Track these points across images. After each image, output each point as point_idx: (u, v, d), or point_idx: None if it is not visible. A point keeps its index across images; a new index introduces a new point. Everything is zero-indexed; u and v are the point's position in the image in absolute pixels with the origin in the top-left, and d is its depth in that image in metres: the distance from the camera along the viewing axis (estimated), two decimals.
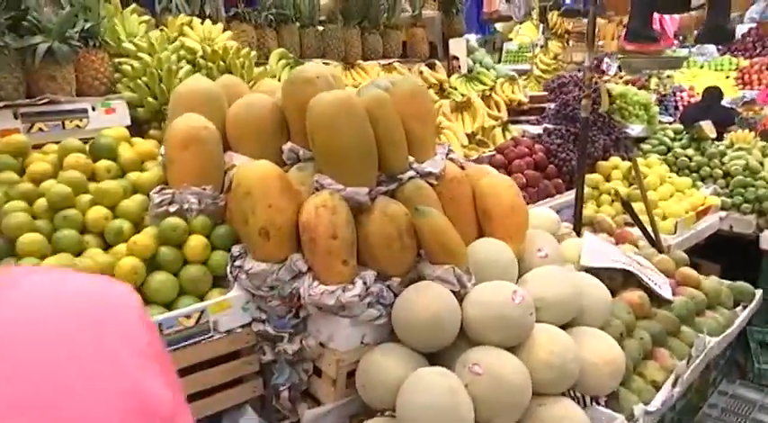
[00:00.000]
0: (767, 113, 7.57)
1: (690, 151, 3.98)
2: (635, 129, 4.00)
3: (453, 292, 1.57)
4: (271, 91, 1.95)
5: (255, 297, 1.59)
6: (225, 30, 2.97)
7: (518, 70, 9.96)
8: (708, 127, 4.12)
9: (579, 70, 10.50)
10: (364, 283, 1.52)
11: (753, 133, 4.31)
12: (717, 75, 8.36)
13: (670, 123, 8.24)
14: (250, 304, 1.60)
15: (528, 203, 3.08)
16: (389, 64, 3.90)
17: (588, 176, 3.54)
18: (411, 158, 1.78)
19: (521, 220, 1.83)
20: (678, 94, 8.25)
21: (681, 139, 4.09)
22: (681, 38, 9.01)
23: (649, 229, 2.96)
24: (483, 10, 6.66)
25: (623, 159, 3.75)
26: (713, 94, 7.15)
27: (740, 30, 8.43)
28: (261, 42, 3.37)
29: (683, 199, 3.60)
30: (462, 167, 1.91)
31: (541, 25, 9.28)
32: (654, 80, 8.50)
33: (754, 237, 3.67)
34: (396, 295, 1.58)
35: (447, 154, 1.91)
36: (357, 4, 3.85)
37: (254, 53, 2.65)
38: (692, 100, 8.13)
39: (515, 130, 3.89)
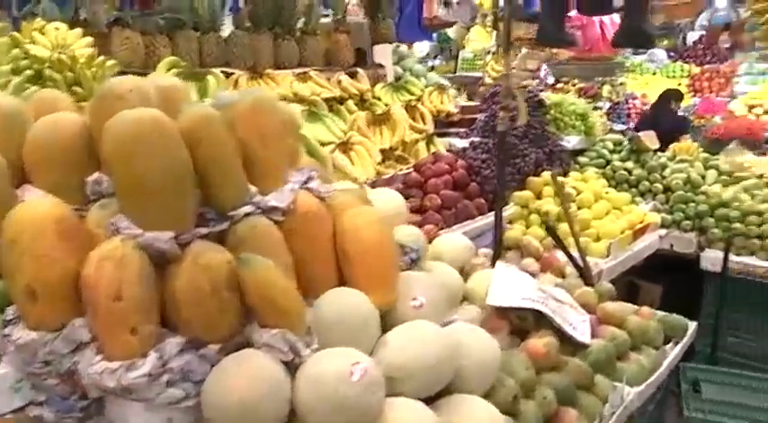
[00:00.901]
0: (717, 121, 7.44)
1: (629, 164, 3.73)
2: (571, 140, 3.74)
3: (286, 362, 1.24)
4: None
5: (29, 374, 1.24)
6: (103, 37, 2.61)
7: (473, 78, 9.78)
8: (648, 137, 3.88)
9: (534, 78, 10.38)
10: (160, 357, 1.17)
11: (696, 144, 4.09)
12: (669, 82, 8.23)
13: (624, 131, 8.10)
14: (23, 383, 1.24)
15: (443, 227, 2.78)
16: (304, 73, 3.57)
17: (517, 194, 3.26)
18: (253, 189, 1.44)
19: (387, 262, 1.50)
20: (631, 101, 8.10)
21: (620, 151, 3.84)
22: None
23: (576, 254, 2.68)
24: (423, 15, 6.39)
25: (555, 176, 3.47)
26: (667, 98, 6.95)
27: (692, 37, 8.33)
28: (150, 51, 3.02)
29: (620, 217, 3.34)
30: (323, 198, 1.57)
31: (495, 32, 9.06)
32: (606, 88, 8.34)
33: (694, 256, 3.42)
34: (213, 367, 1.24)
35: (306, 182, 1.58)
36: (266, 7, 3.52)
37: (111, 62, 2.29)
38: (645, 108, 7.98)
39: (442, 143, 3.60)
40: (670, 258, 3.52)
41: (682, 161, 3.72)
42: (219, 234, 1.37)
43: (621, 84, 8.35)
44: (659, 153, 3.94)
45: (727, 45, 9.10)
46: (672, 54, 8.69)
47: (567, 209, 2.59)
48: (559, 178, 3.41)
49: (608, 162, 3.79)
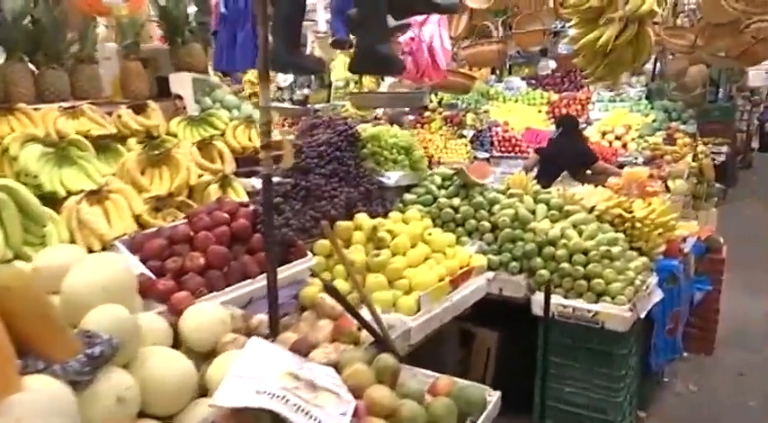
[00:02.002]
0: None
1: (456, 201, 3.40)
2: (392, 176, 3.37)
3: None
4: None
5: None
6: None
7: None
8: (478, 169, 3.59)
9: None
10: None
11: (529, 175, 3.84)
12: (530, 109, 8.26)
13: (489, 158, 8.00)
14: None
15: (209, 292, 2.29)
16: (73, 107, 2.99)
17: (321, 243, 2.82)
18: None
19: None
20: (493, 129, 8.03)
21: (449, 187, 3.52)
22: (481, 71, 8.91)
23: (369, 315, 2.26)
24: None
25: (372, 216, 3.08)
26: (568, 125, 6.55)
27: (545, 66, 8.43)
28: None
29: (441, 261, 2.98)
30: None
31: None
32: (470, 116, 8.24)
33: (524, 300, 3.12)
34: None
35: None
36: (20, 31, 2.93)
37: None
38: (506, 135, 7.94)
39: (244, 185, 3.11)
40: (506, 301, 3.21)
41: (512, 196, 3.44)
42: None
43: (485, 111, 8.28)
44: (496, 186, 3.67)
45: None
46: (533, 82, 8.77)
47: (349, 267, 2.17)
48: (374, 220, 3.02)
49: (436, 199, 3.45)
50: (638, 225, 3.38)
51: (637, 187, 4.19)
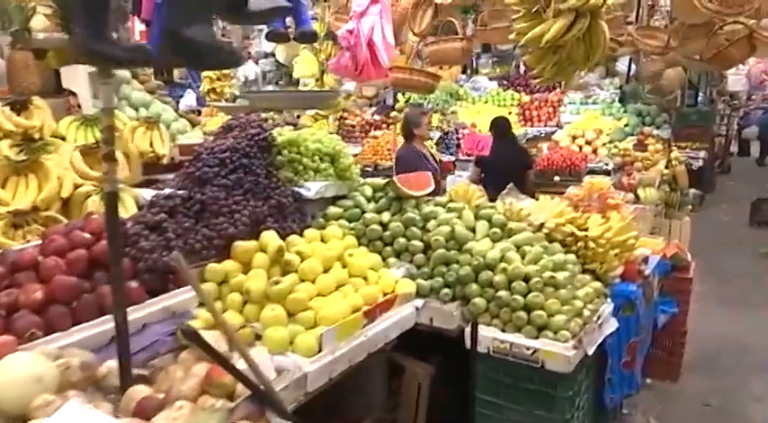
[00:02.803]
0: (545, 152, 7.10)
1: (386, 216, 2.99)
2: (312, 188, 2.95)
3: None
4: None
5: None
6: None
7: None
8: (414, 179, 3.19)
9: (371, 105, 9.77)
10: None
11: (475, 187, 3.44)
12: (500, 111, 7.86)
13: (454, 162, 7.60)
14: None
15: (48, 333, 1.87)
16: None
17: (213, 267, 2.41)
18: None
19: None
20: (461, 131, 7.63)
21: (379, 199, 3.11)
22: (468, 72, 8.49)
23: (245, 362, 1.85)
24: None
25: (284, 234, 2.66)
26: (498, 127, 6.32)
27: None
28: None
29: (360, 288, 2.57)
30: None
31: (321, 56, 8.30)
32: (436, 117, 7.83)
33: (457, 333, 2.72)
34: None
35: None
36: None
37: None
38: (473, 137, 7.55)
39: (144, 196, 2.69)
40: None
41: (451, 210, 3.04)
42: None
43: (453, 112, 7.88)
44: (437, 198, 3.26)
45: None
46: (504, 82, 8.38)
47: (208, 301, 1.75)
48: (285, 239, 2.61)
49: (364, 213, 3.04)
50: (592, 245, 2.99)
51: (598, 199, 3.81)
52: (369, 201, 3.14)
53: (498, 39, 6.03)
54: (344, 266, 2.67)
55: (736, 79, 12.30)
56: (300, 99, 5.42)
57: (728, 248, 7.39)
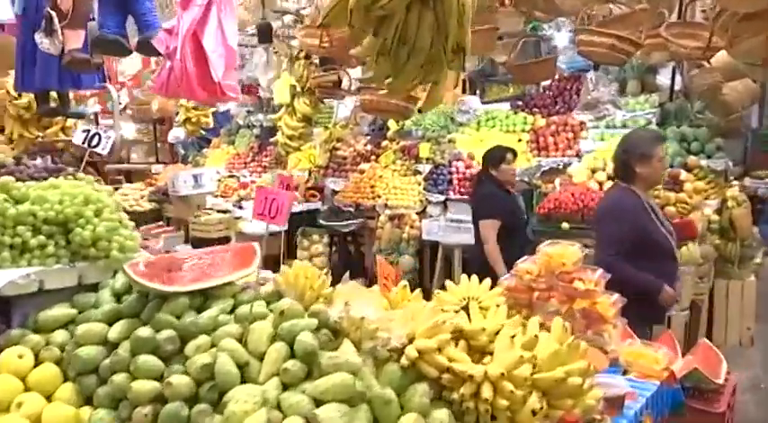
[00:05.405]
0: (557, 189, 5.56)
1: (116, 329, 1.66)
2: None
3: None
4: None
5: None
6: None
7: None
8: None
9: (367, 134, 8.41)
10: None
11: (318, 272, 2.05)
12: (508, 138, 6.38)
13: (444, 202, 6.11)
14: None
15: None
16: None
17: None
18: None
19: None
20: (454, 163, 6.20)
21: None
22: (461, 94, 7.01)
23: None
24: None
25: None
26: (483, 161, 5.02)
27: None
28: None
29: None
30: None
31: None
32: (426, 146, 6.42)
33: None
34: None
35: None
36: None
37: None
38: (468, 172, 6.09)
39: None
40: None
41: (239, 319, 1.68)
42: None
43: (450, 141, 6.46)
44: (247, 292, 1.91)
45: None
46: (518, 103, 6.87)
47: None
48: None
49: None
50: (486, 394, 1.56)
51: (558, 280, 2.37)
52: (117, 299, 1.83)
53: (479, 46, 4.62)
54: None
55: None
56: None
57: None
